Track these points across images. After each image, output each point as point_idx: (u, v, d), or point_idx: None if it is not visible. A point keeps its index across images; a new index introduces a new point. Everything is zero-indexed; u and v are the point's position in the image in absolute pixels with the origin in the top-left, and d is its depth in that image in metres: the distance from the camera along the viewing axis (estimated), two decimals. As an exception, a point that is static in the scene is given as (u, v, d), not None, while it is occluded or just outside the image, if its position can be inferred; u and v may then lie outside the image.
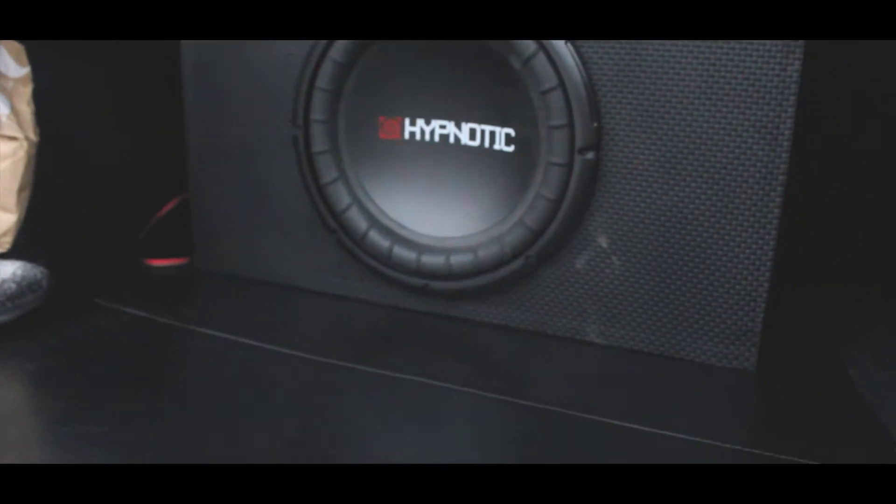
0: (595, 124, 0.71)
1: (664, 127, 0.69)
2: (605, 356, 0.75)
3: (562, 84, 0.70)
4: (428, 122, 0.79)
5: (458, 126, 0.78)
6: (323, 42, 0.77)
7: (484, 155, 0.77)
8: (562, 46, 0.70)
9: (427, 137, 0.79)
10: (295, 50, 0.79)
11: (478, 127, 0.77)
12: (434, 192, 0.79)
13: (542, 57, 0.70)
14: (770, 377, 0.72)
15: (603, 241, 0.74)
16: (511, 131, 0.75)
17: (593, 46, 0.70)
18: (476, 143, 0.77)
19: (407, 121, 0.79)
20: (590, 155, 0.71)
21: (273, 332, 0.76)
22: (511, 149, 0.76)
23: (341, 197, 0.80)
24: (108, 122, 0.92)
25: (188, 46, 0.84)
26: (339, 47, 0.76)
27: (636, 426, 0.63)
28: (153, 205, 0.94)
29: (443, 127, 0.78)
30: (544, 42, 0.70)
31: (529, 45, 0.71)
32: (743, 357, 0.72)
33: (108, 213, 0.93)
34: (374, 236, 0.79)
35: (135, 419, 0.60)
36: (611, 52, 0.69)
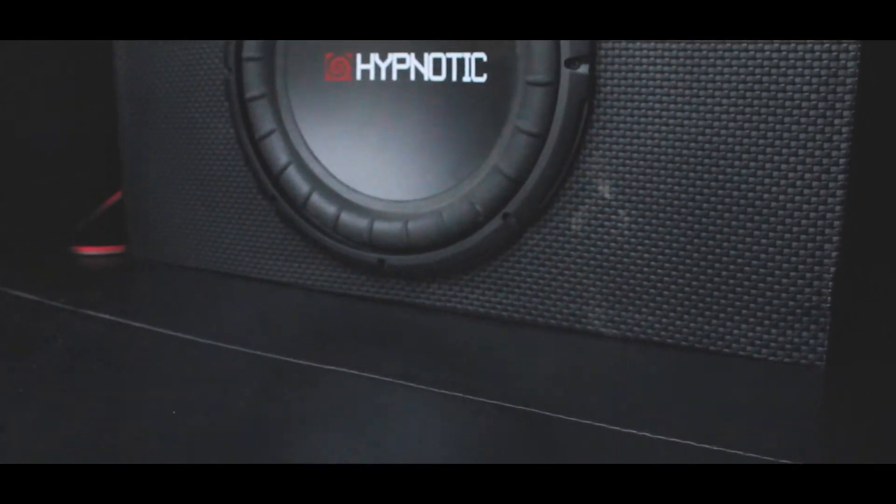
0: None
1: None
2: (614, 350, 0.51)
3: (540, -26, 0.50)
4: (383, 57, 0.58)
5: (420, 58, 0.57)
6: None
7: (451, 91, 0.55)
8: None
9: (383, 76, 0.58)
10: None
11: (443, 56, 0.56)
12: (391, 145, 0.57)
13: (514, -57, 0.51)
14: (845, 375, 0.47)
15: (605, 190, 0.52)
16: (482, 55, 0.54)
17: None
18: (441, 76, 0.56)
19: (359, 57, 0.59)
20: (582, 68, 0.49)
21: (185, 320, 0.55)
22: (483, 78, 0.54)
23: (279, 154, 0.59)
24: (40, 102, 0.77)
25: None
26: (273, -35, 0.59)
27: (660, 436, 0.39)
28: (93, 192, 0.77)
29: (401, 61, 0.58)
30: None
31: (498, -71, 0.51)
32: (807, 348, 0.47)
33: (46, 200, 0.76)
34: (318, 201, 0.58)
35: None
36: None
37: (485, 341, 0.53)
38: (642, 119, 0.49)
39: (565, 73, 0.49)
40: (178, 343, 0.51)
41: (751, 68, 0.46)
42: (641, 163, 0.50)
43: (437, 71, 0.56)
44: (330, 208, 0.58)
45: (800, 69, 0.45)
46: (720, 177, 0.48)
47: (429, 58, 0.56)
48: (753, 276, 0.48)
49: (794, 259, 0.47)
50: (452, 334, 0.54)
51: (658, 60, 0.48)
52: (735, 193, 0.48)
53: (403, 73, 0.57)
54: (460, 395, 0.43)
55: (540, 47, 0.49)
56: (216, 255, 0.66)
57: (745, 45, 0.46)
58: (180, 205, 0.67)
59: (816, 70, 0.45)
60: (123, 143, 0.70)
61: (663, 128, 0.49)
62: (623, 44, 0.49)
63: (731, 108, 0.47)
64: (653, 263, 0.50)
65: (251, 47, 0.59)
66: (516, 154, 0.51)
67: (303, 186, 0.58)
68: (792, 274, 0.47)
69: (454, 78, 0.55)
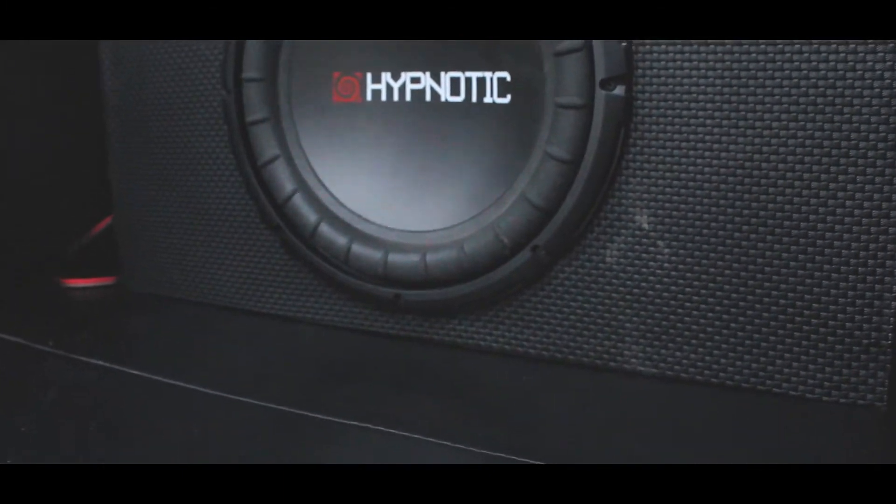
0: (623, 44, 0.45)
1: (728, 42, 0.42)
2: (653, 390, 0.46)
3: (572, -12, 0.45)
4: (396, 76, 0.53)
5: (436, 77, 0.52)
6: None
7: (472, 113, 0.50)
8: None
9: (395, 96, 0.52)
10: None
11: (461, 75, 0.51)
12: (405, 171, 0.52)
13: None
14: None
15: (643, 220, 0.47)
16: (506, 75, 0.49)
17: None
18: (460, 97, 0.51)
19: (369, 76, 0.53)
20: (618, 89, 0.45)
21: (185, 365, 0.49)
22: (507, 99, 0.49)
23: (283, 181, 0.53)
24: (24, 124, 0.71)
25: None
26: (275, -22, 0.53)
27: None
28: (81, 217, 0.71)
29: (416, 80, 0.52)
30: None
31: (524, -61, 0.46)
32: (865, 387, 0.42)
33: (29, 227, 0.70)
34: (327, 231, 0.52)
35: None
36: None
37: (514, 383, 0.48)
38: (683, 144, 0.45)
39: (600, 94, 0.44)
40: (180, 393, 0.46)
41: (803, 88, 0.42)
42: (683, 191, 0.45)
43: (455, 91, 0.51)
44: (340, 239, 0.52)
45: (859, 84, 0.41)
46: (770, 206, 0.43)
47: (445, 77, 0.51)
48: (806, 312, 0.44)
49: (851, 293, 0.42)
50: (478, 375, 0.49)
51: (701, 81, 0.43)
52: (786, 224, 0.43)
53: (418, 94, 0.52)
54: (503, 454, 0.38)
55: (571, 67, 0.44)
56: (215, 288, 0.60)
57: (795, 59, 0.42)
58: (176, 233, 0.61)
59: (878, 87, 0.41)
60: (112, 165, 0.64)
61: (706, 153, 0.44)
62: (662, 62, 0.44)
63: (782, 132, 0.42)
64: (695, 298, 0.46)
65: (251, 67, 0.53)
66: (546, 182, 0.46)
67: (310, 216, 0.53)
68: (849, 309, 0.43)
69: (474, 98, 0.50)
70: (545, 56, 0.46)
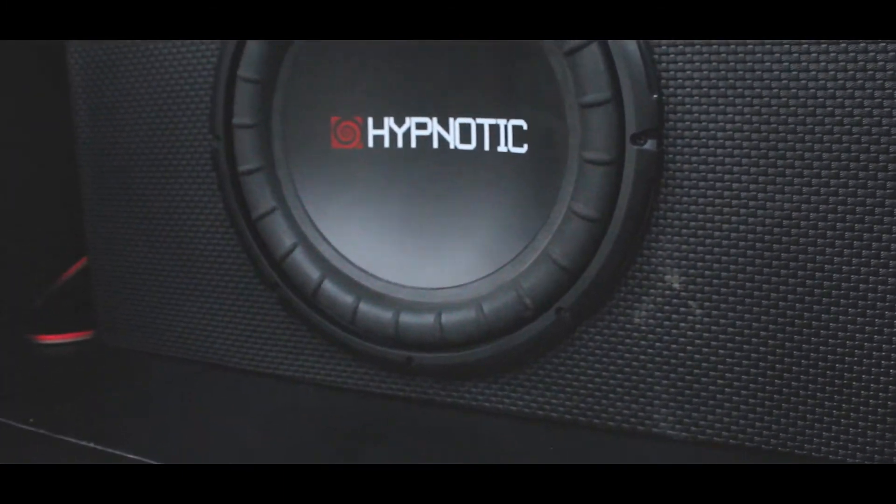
0: (655, 96, 0.41)
1: (765, 93, 0.39)
2: (685, 456, 0.43)
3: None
4: (400, 122, 0.48)
5: (444, 123, 0.47)
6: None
7: (484, 162, 0.46)
8: None
9: (400, 143, 0.48)
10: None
11: (472, 121, 0.46)
12: (413, 223, 0.47)
13: (566, -2, 0.42)
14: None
15: (674, 280, 0.44)
16: (522, 123, 0.45)
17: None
18: (471, 145, 0.46)
19: (370, 121, 0.48)
20: (649, 144, 0.41)
21: (178, 440, 0.45)
22: (523, 149, 0.45)
23: (281, 235, 0.48)
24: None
25: (73, 46, 0.55)
26: (268, 17, 0.48)
27: None
28: (53, 260, 0.65)
29: (422, 126, 0.48)
30: None
31: (546, -17, 0.42)
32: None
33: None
34: (331, 289, 0.48)
35: None
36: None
37: (541, 450, 0.44)
38: (717, 200, 0.41)
39: (631, 149, 0.41)
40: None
41: (845, 143, 0.39)
42: (716, 249, 0.42)
43: (465, 138, 0.46)
44: (346, 298, 0.48)
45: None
46: (809, 265, 0.40)
47: (454, 123, 0.46)
48: (847, 374, 0.41)
49: (895, 355, 0.40)
50: (500, 443, 0.45)
51: (736, 135, 0.40)
52: (826, 284, 0.40)
53: (424, 140, 0.47)
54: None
55: (599, 120, 0.40)
56: (204, 345, 0.55)
57: (837, 113, 0.39)
58: (158, 284, 0.56)
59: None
60: (86, 207, 0.58)
61: (742, 210, 0.41)
62: (694, 114, 0.40)
63: (822, 189, 0.40)
64: (729, 360, 0.43)
65: (243, 112, 0.48)
66: (572, 241, 0.42)
67: (312, 272, 0.48)
68: (893, 371, 0.40)
69: (486, 147, 0.46)
70: (567, 105, 0.42)
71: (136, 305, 0.57)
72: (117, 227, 0.57)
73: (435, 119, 0.47)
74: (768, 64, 0.39)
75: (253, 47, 0.47)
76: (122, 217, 0.56)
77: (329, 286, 0.48)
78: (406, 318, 0.46)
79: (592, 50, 0.40)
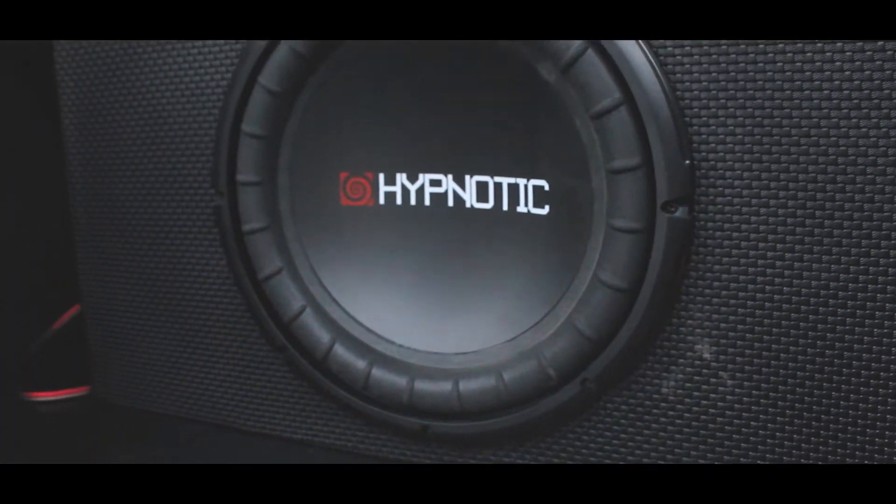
0: (687, 162, 0.39)
1: (802, 159, 0.37)
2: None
3: (629, 99, 0.38)
4: (413, 178, 0.45)
5: (460, 181, 0.44)
6: (250, 62, 0.46)
7: (503, 222, 0.43)
8: (624, 41, 0.39)
9: (413, 200, 0.45)
10: (210, 77, 0.47)
11: (490, 180, 0.44)
12: (429, 284, 0.45)
13: (592, 58, 0.38)
14: None
15: (705, 350, 0.41)
16: (544, 183, 0.42)
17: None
18: (489, 204, 0.44)
19: (381, 177, 0.46)
20: (680, 211, 0.39)
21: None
22: (545, 210, 0.42)
23: (289, 297, 0.46)
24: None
25: (66, 86, 0.52)
26: (274, 69, 0.44)
27: None
28: (44, 318, 0.62)
29: (436, 183, 0.45)
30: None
31: (571, 42, 0.39)
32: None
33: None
34: (342, 353, 0.45)
35: None
36: (710, 40, 0.36)
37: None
38: (751, 269, 0.39)
39: (662, 217, 0.38)
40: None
41: (886, 213, 0.37)
42: (749, 319, 0.39)
43: (482, 197, 0.44)
44: (358, 363, 0.45)
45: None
46: (847, 337, 0.38)
47: (471, 181, 0.44)
48: (887, 449, 0.39)
49: (935, 432, 0.38)
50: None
51: (772, 202, 0.38)
52: (865, 356, 0.38)
53: (438, 198, 0.45)
54: None
55: (629, 186, 0.38)
56: (206, 405, 0.52)
57: (867, 190, 0.36)
58: (158, 339, 0.53)
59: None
60: (79, 257, 0.55)
61: (777, 279, 0.38)
62: (727, 179, 0.38)
63: (862, 259, 0.37)
64: (761, 433, 0.40)
65: (247, 168, 0.45)
66: (599, 311, 0.40)
67: (322, 336, 0.45)
68: (933, 448, 0.38)
69: (505, 206, 0.43)
70: (593, 168, 0.40)
71: (133, 361, 0.54)
72: (113, 279, 0.53)
73: (450, 176, 0.44)
74: (806, 129, 0.37)
75: (258, 101, 0.44)
76: (118, 269, 0.53)
77: (340, 350, 0.45)
78: (421, 385, 0.44)
79: (621, 114, 0.37)
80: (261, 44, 0.44)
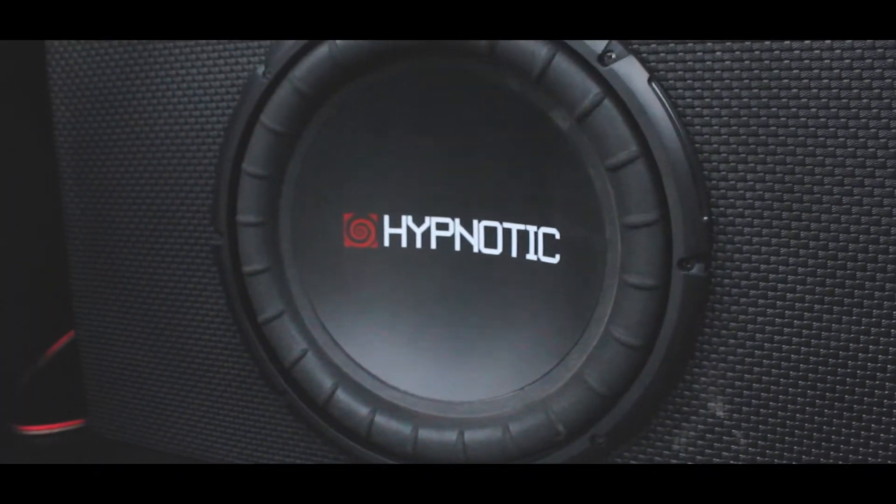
0: (705, 218, 0.37)
1: (824, 217, 0.35)
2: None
3: (646, 152, 0.36)
4: (419, 221, 0.44)
5: (468, 225, 0.43)
6: (252, 100, 0.43)
7: (511, 269, 0.41)
8: (642, 89, 0.36)
9: (419, 244, 0.44)
10: (210, 112, 0.45)
11: (499, 225, 0.42)
12: (434, 329, 0.43)
13: (609, 109, 0.36)
14: None
15: (718, 408, 0.40)
16: (554, 231, 0.41)
17: (698, 86, 0.35)
18: (497, 250, 0.42)
19: (386, 219, 0.44)
20: (696, 268, 0.38)
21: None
22: (555, 259, 0.41)
23: (290, 341, 0.44)
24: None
25: (62, 119, 0.49)
26: (276, 108, 0.42)
27: None
28: (37, 348, 0.60)
29: (443, 227, 0.43)
30: (613, 84, 0.37)
31: (587, 91, 0.37)
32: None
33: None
34: (344, 399, 0.43)
35: None
36: (729, 92, 0.35)
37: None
38: (768, 327, 0.37)
39: (678, 274, 0.36)
40: None
41: (909, 274, 0.35)
42: (765, 378, 0.37)
43: (490, 243, 0.42)
44: (361, 409, 0.43)
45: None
46: (866, 399, 0.36)
47: (479, 225, 0.42)
48: (902, 514, 0.38)
49: (954, 497, 0.37)
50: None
51: (791, 259, 0.36)
52: (885, 420, 0.37)
53: (445, 242, 0.43)
54: None
55: (644, 242, 0.36)
56: (206, 444, 0.50)
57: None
58: (154, 374, 0.51)
59: None
60: (74, 292, 0.53)
61: (795, 339, 0.37)
62: (746, 235, 0.36)
63: (884, 321, 0.36)
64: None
65: (248, 209, 0.43)
66: (610, 367, 0.38)
67: (324, 381, 0.43)
68: (951, 514, 0.37)
69: (514, 253, 0.42)
70: (607, 219, 0.38)
71: (130, 396, 0.52)
72: (109, 310, 0.51)
73: (457, 220, 0.43)
74: (829, 186, 0.35)
75: (259, 140, 0.42)
76: (114, 299, 0.51)
77: (342, 396, 0.43)
78: (426, 434, 0.42)
79: (638, 167, 0.36)
80: (262, 81, 0.42)
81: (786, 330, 0.37)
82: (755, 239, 0.37)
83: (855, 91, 0.34)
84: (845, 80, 0.34)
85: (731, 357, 0.38)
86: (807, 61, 0.35)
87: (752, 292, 0.37)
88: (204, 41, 0.45)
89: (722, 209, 0.37)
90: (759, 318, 0.37)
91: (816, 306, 0.36)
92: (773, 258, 0.37)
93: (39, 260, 0.58)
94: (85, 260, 0.52)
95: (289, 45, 0.41)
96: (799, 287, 0.36)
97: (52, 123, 0.51)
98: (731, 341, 0.38)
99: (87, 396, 0.53)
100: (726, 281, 0.37)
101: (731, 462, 0.39)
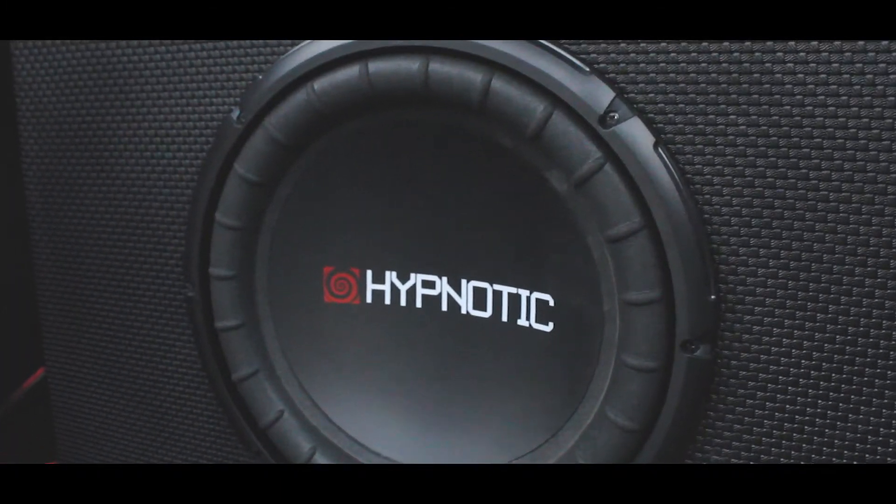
0: (712, 297, 0.33)
1: (844, 299, 0.31)
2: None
3: (650, 223, 0.32)
4: (404, 277, 0.40)
5: (456, 284, 0.39)
6: (225, 146, 0.39)
7: (501, 335, 0.37)
8: (647, 154, 0.32)
9: (403, 301, 0.40)
10: (183, 155, 0.41)
11: (489, 287, 0.38)
12: (417, 392, 0.39)
13: (610, 175, 0.32)
14: None
15: (721, 495, 0.37)
16: (548, 298, 0.37)
17: (709, 151, 0.31)
18: (487, 313, 0.38)
19: (369, 274, 0.40)
20: (700, 351, 0.34)
21: None
22: (548, 327, 0.37)
23: (266, 401, 0.40)
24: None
25: (30, 154, 0.45)
26: (251, 157, 0.38)
27: None
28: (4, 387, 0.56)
29: (429, 285, 0.39)
30: (615, 148, 0.34)
31: (587, 155, 0.33)
32: None
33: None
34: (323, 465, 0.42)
35: None
36: (744, 159, 0.31)
37: None
38: (778, 414, 0.33)
39: (681, 356, 0.33)
40: None
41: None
42: (771, 461, 0.35)
43: (479, 304, 0.38)
44: (338, 476, 0.40)
45: None
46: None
47: (467, 286, 0.38)
48: None
49: None
50: None
51: (805, 343, 0.32)
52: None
53: (431, 301, 0.39)
54: None
55: (643, 320, 0.32)
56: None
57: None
58: (125, 422, 0.47)
59: None
60: (44, 332, 0.49)
61: (808, 427, 0.32)
62: (756, 315, 0.32)
63: (904, 414, 0.32)
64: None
65: (221, 261, 0.39)
66: (605, 450, 0.34)
67: (301, 444, 0.40)
68: None
69: (504, 317, 0.38)
70: (605, 291, 0.34)
71: (100, 439, 0.48)
72: (78, 352, 0.47)
73: (445, 278, 0.39)
74: (850, 266, 0.31)
75: (233, 189, 0.38)
76: (83, 342, 0.47)
77: (321, 460, 0.40)
78: None
79: (641, 240, 0.32)
80: (236, 127, 0.38)
81: (797, 417, 0.33)
82: (766, 319, 0.33)
83: (883, 164, 0.30)
84: (872, 153, 0.30)
85: (735, 443, 0.34)
86: (830, 129, 0.31)
87: (760, 376, 0.33)
88: (182, 72, 0.41)
89: (731, 286, 0.33)
90: (769, 404, 0.33)
91: (832, 394, 0.33)
92: (785, 340, 0.33)
93: (7, 295, 0.54)
94: (54, 302, 0.47)
95: (265, 89, 0.37)
96: (813, 373, 0.33)
97: (20, 159, 0.47)
98: (737, 426, 0.34)
99: (56, 438, 0.50)
100: (733, 363, 0.34)
101: (733, 551, 0.35)
